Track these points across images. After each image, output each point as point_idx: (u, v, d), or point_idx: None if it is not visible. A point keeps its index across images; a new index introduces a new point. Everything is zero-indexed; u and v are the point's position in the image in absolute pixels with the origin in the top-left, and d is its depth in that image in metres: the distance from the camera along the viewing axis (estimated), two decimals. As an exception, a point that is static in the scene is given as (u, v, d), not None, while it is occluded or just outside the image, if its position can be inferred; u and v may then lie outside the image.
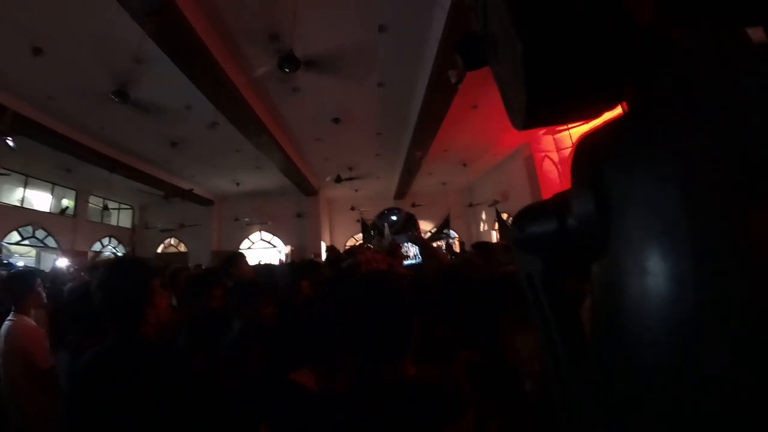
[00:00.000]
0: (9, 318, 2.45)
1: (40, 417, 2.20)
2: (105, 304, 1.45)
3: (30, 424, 2.22)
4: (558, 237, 0.34)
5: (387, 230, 9.02)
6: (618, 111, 0.34)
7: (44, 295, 2.74)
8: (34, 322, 2.53)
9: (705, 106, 0.25)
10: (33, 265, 10.56)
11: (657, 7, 0.30)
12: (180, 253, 17.13)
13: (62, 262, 7.29)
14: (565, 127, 9.88)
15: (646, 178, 0.26)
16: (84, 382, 1.36)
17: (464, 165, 13.52)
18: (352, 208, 15.09)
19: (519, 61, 0.31)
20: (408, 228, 9.34)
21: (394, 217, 10.52)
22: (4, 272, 5.46)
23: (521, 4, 0.31)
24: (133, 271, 1.54)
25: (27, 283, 2.63)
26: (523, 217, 0.40)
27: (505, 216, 12.58)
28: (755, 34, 0.28)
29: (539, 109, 0.34)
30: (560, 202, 0.35)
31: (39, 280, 2.74)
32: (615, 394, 0.29)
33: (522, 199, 10.97)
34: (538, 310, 0.39)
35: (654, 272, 0.25)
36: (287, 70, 5.80)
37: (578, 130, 8.68)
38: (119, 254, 15.83)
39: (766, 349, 0.21)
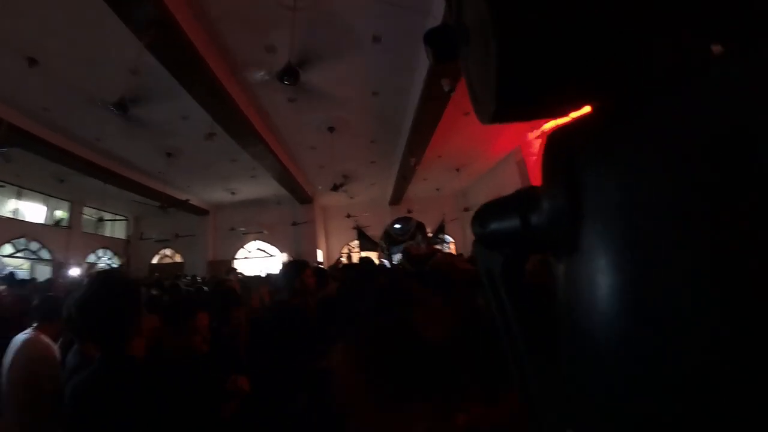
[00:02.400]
0: (26, 331, 2.36)
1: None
2: (85, 324, 1.35)
3: None
4: (520, 234, 0.34)
5: (419, 236, 9.07)
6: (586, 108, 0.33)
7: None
8: (52, 344, 2.40)
9: (681, 112, 0.25)
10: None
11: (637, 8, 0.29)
12: (175, 263, 17.05)
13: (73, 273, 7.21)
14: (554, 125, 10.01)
15: (618, 180, 0.26)
16: (75, 408, 1.28)
17: (458, 170, 13.62)
18: (348, 216, 15.10)
19: (492, 57, 0.29)
20: (416, 236, 9.43)
21: (397, 225, 10.57)
22: (3, 287, 5.45)
23: None
24: (122, 286, 1.45)
25: (59, 311, 2.51)
26: (485, 213, 0.40)
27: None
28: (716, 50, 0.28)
29: (507, 108, 0.32)
30: (522, 198, 0.34)
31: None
32: (579, 386, 0.29)
33: None
34: (497, 305, 0.39)
35: (618, 277, 0.25)
36: (287, 82, 5.87)
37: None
38: (114, 265, 15.76)
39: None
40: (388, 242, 9.63)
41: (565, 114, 0.34)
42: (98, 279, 1.48)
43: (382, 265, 7.22)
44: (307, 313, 2.55)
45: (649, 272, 0.24)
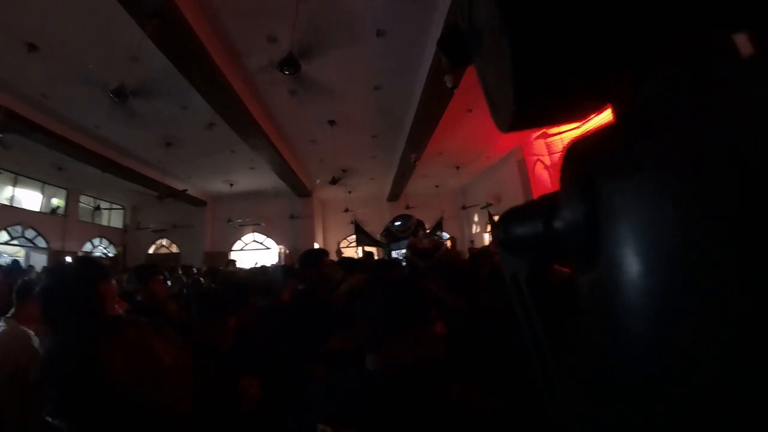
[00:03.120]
0: (1, 323, 2.28)
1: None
2: (48, 313, 1.32)
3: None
4: (543, 240, 0.33)
5: (421, 232, 9.13)
6: (608, 113, 0.33)
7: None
8: (31, 332, 2.31)
9: (702, 115, 0.24)
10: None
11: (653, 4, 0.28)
12: (172, 254, 17.01)
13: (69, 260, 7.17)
14: (557, 131, 10.02)
15: (638, 193, 0.25)
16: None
17: (458, 168, 13.62)
18: (346, 210, 15.09)
19: (506, 58, 0.29)
20: (417, 232, 9.52)
21: (397, 222, 10.70)
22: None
23: None
24: (77, 275, 1.40)
25: (28, 290, 2.40)
26: (509, 218, 0.40)
27: (497, 219, 12.66)
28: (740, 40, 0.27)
29: (526, 110, 0.32)
30: (546, 204, 0.34)
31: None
32: (607, 392, 0.28)
33: (514, 202, 10.74)
34: (523, 310, 0.39)
35: (641, 297, 0.24)
36: (287, 72, 5.83)
37: (570, 134, 8.83)
38: (110, 255, 15.71)
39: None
40: (388, 239, 9.70)
41: (585, 117, 0.33)
42: (59, 267, 1.44)
43: (397, 259, 7.27)
44: (331, 305, 2.43)
45: (672, 286, 0.23)
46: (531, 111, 0.32)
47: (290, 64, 5.71)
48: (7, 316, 2.34)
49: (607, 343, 0.28)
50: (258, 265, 9.12)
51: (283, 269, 3.25)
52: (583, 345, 0.31)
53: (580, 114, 0.33)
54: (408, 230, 10.35)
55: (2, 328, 2.27)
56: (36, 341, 2.30)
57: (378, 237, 13.84)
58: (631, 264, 0.25)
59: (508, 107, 0.32)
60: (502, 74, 0.31)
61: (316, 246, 15.78)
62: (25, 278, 3.13)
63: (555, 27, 0.28)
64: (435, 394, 1.07)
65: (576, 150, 0.31)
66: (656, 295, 0.24)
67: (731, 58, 0.25)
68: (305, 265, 2.75)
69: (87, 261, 1.57)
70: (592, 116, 0.35)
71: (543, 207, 0.34)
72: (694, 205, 0.22)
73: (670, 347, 0.23)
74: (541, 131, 10.18)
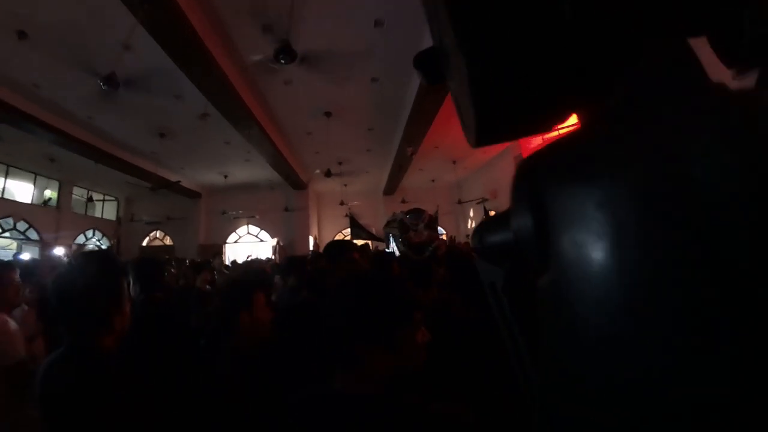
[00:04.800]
0: None
1: (19, 421, 1.96)
2: (67, 306, 1.23)
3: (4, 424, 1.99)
4: (514, 247, 0.34)
5: (421, 225, 9.12)
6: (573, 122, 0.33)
7: (22, 289, 2.48)
8: (5, 317, 2.27)
9: (651, 131, 0.25)
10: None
11: (609, 17, 0.29)
12: (166, 246, 16.91)
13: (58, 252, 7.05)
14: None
15: (583, 201, 0.26)
16: (42, 396, 1.18)
17: (454, 162, 13.60)
18: (342, 203, 15.04)
19: (465, 77, 0.30)
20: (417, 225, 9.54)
21: (409, 216, 10.71)
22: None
23: (463, 16, 0.29)
24: (104, 268, 1.32)
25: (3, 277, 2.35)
26: (483, 228, 0.41)
27: (492, 213, 12.68)
28: (697, 44, 0.29)
29: (489, 127, 0.33)
30: None
31: (16, 273, 2.46)
32: (569, 392, 0.29)
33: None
34: (501, 316, 0.40)
35: (587, 300, 0.25)
36: (283, 61, 5.75)
37: (565, 130, 8.79)
38: (103, 247, 15.58)
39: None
40: (401, 231, 9.70)
41: (551, 128, 0.35)
42: (81, 259, 1.35)
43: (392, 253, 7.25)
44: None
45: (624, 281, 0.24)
46: (494, 129, 0.33)
47: (286, 53, 5.62)
48: None
49: (562, 347, 0.29)
50: (251, 259, 9.01)
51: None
52: (545, 349, 0.32)
53: (545, 126, 0.34)
54: (421, 222, 10.41)
55: None
56: (12, 324, 2.25)
57: (383, 228, 13.79)
58: (579, 266, 0.26)
59: (472, 125, 0.32)
60: (465, 92, 0.31)
61: (311, 239, 15.80)
62: None
63: (509, 48, 0.29)
64: (420, 422, 0.88)
65: (529, 161, 0.32)
66: (599, 293, 0.25)
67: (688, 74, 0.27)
68: (331, 258, 2.58)
69: (108, 257, 1.50)
70: (561, 125, 0.36)
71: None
72: (634, 229, 0.24)
73: (620, 344, 0.24)
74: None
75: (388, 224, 11.89)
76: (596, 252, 0.25)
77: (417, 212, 11.41)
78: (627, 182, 0.24)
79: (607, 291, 0.24)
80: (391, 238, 10.08)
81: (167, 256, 9.32)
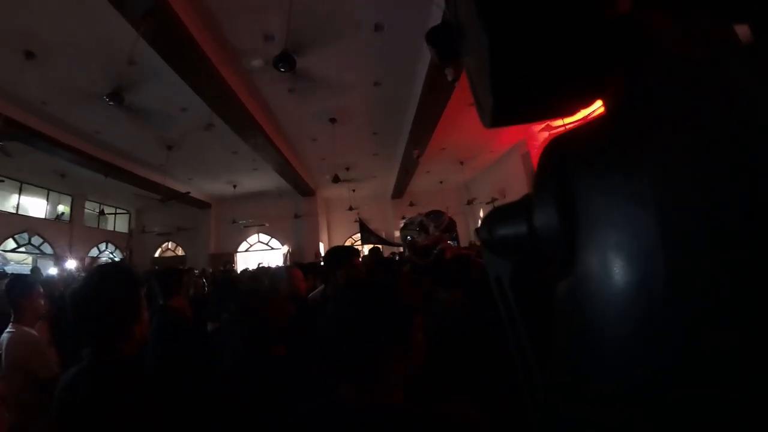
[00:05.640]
0: (8, 330, 2.31)
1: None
2: (86, 318, 1.26)
3: None
4: (527, 242, 0.32)
5: (432, 228, 9.13)
6: (599, 106, 0.31)
7: (43, 303, 2.57)
8: (34, 332, 2.38)
9: (690, 113, 0.22)
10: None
11: None
12: (178, 256, 17.07)
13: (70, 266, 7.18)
14: (562, 123, 9.90)
15: (618, 195, 0.23)
16: (62, 410, 1.22)
17: (461, 163, 13.51)
18: (350, 208, 15.04)
19: (485, 54, 0.28)
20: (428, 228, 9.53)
21: (430, 218, 10.71)
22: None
23: None
24: (122, 280, 1.35)
25: (23, 290, 2.47)
26: (493, 218, 0.39)
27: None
28: (741, 32, 0.26)
29: (506, 107, 0.31)
30: (530, 203, 0.32)
31: (39, 287, 2.57)
32: (586, 399, 0.27)
33: (519, 196, 11.00)
34: (506, 312, 0.38)
35: (621, 303, 0.23)
36: (283, 69, 5.74)
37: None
38: (116, 259, 15.78)
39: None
40: (421, 233, 9.69)
41: (573, 112, 0.32)
42: (98, 272, 1.38)
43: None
44: None
45: (653, 296, 0.22)
46: (511, 109, 0.31)
47: (285, 61, 5.61)
48: (11, 321, 2.37)
49: (582, 351, 0.26)
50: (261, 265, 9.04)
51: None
52: (558, 352, 0.30)
53: (566, 110, 0.31)
54: (441, 225, 10.40)
55: (9, 335, 2.30)
56: (40, 340, 2.36)
57: (400, 231, 13.75)
58: (609, 272, 0.23)
59: (489, 105, 0.31)
60: (483, 71, 0.29)
61: (321, 245, 15.81)
62: (15, 276, 3.12)
63: (533, 24, 0.27)
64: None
65: (554, 146, 0.30)
66: (636, 304, 0.22)
67: (725, 51, 0.24)
68: (330, 265, 2.55)
69: (124, 268, 1.55)
70: (584, 110, 0.33)
71: (527, 207, 0.32)
72: (687, 210, 0.21)
73: (652, 356, 0.22)
74: (545, 123, 10.05)
75: (405, 227, 11.88)
76: (633, 258, 0.22)
77: (437, 214, 11.37)
78: (686, 173, 0.21)
79: (650, 303, 0.21)
80: (408, 241, 10.08)
81: (194, 269, 9.34)
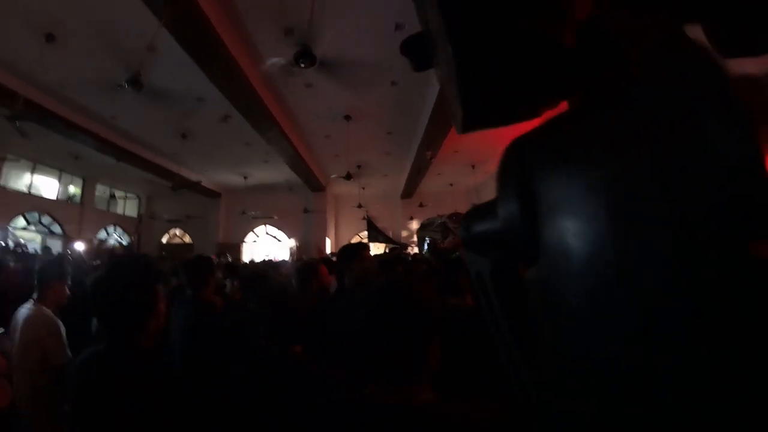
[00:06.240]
0: (28, 306, 2.28)
1: (57, 416, 2.03)
2: (104, 308, 1.36)
3: (47, 423, 2.06)
4: (502, 237, 0.33)
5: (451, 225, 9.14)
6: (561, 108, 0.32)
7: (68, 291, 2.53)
8: (51, 313, 2.34)
9: (646, 112, 0.24)
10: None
11: None
12: (185, 243, 17.15)
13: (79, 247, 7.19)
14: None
15: (574, 186, 0.25)
16: (79, 387, 1.30)
17: (473, 166, 13.41)
18: (359, 206, 15.01)
19: (452, 64, 0.29)
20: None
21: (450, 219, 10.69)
22: (14, 260, 5.42)
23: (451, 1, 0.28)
24: (140, 274, 1.45)
25: (56, 276, 2.44)
26: (470, 216, 0.40)
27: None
28: (693, 32, 0.27)
29: (475, 115, 0.32)
30: None
31: (69, 279, 2.54)
32: (562, 386, 0.27)
33: None
34: (488, 308, 0.39)
35: (577, 280, 0.24)
36: (303, 65, 5.72)
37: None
38: (124, 243, 15.90)
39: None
40: (444, 235, 9.68)
41: (539, 115, 0.33)
42: (117, 266, 1.51)
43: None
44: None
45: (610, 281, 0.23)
46: (480, 114, 0.32)
47: (306, 57, 5.59)
48: (33, 299, 2.36)
49: (553, 338, 0.27)
50: (268, 259, 9.05)
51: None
52: (543, 346, 0.30)
53: (534, 114, 0.32)
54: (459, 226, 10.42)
55: (28, 312, 2.28)
56: (60, 325, 2.33)
57: (417, 231, 13.67)
58: (567, 255, 0.24)
59: (458, 112, 0.31)
60: (452, 80, 0.30)
61: (328, 240, 15.81)
62: (48, 259, 3.11)
63: (497, 36, 0.28)
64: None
65: (515, 144, 0.31)
66: (593, 289, 0.24)
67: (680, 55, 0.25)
68: (344, 261, 2.56)
69: (143, 263, 1.64)
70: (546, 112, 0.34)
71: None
72: (632, 207, 0.23)
73: (608, 324, 0.23)
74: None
75: (423, 227, 11.84)
76: (587, 239, 0.23)
77: (459, 216, 11.28)
78: (630, 164, 0.23)
79: (602, 279, 0.23)
80: (426, 242, 10.01)
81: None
